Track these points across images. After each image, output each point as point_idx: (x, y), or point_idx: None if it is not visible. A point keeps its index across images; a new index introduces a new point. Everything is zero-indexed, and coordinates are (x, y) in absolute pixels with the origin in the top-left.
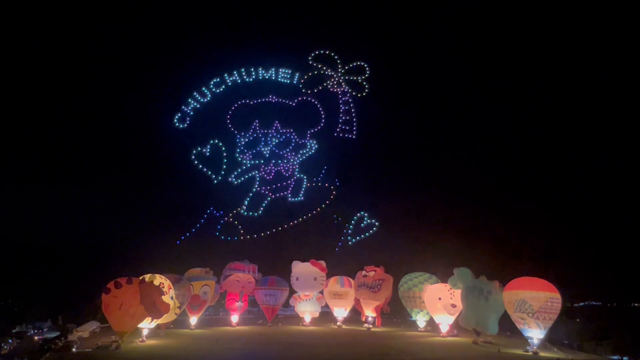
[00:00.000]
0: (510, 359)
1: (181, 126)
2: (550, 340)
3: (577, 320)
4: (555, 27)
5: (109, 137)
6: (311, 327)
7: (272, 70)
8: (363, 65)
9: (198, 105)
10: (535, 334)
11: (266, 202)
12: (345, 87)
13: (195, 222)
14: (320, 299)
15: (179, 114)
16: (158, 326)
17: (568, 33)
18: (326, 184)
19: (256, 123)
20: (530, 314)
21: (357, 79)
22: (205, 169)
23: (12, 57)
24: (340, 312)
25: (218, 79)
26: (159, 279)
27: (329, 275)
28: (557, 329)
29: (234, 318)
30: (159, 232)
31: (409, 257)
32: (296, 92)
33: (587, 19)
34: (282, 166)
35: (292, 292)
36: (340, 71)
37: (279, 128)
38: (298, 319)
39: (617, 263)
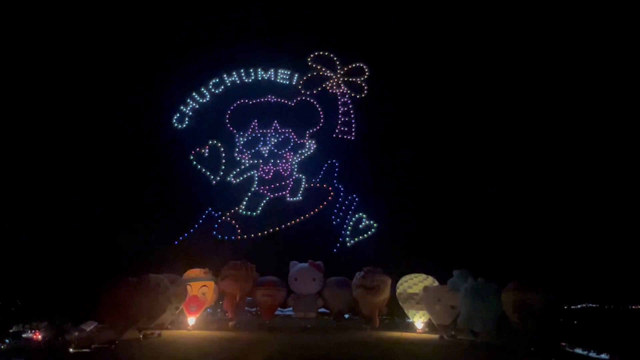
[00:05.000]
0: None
1: (180, 126)
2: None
3: (575, 322)
4: (555, 27)
5: (107, 137)
6: (309, 327)
7: (272, 71)
8: (362, 66)
9: (197, 106)
10: (534, 334)
11: (264, 201)
12: (344, 89)
13: (194, 222)
14: (318, 300)
15: (178, 114)
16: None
17: (568, 33)
18: (324, 185)
19: (255, 123)
20: (528, 315)
21: (356, 80)
22: (204, 170)
23: (11, 57)
24: None
25: (217, 80)
26: (156, 280)
27: (326, 276)
28: (555, 330)
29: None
30: (157, 232)
31: (407, 259)
32: (295, 92)
33: (587, 19)
34: (281, 166)
35: (290, 292)
36: (340, 72)
37: (278, 128)
38: (296, 319)
39: (616, 265)
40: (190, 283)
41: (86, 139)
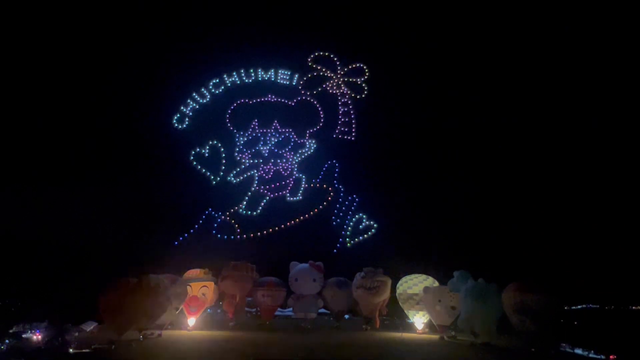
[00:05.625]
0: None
1: (180, 127)
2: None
3: (575, 323)
4: (555, 28)
5: (107, 137)
6: (309, 328)
7: (272, 72)
8: (362, 67)
9: (197, 106)
10: (534, 335)
11: (265, 201)
12: (344, 89)
13: (194, 223)
14: (319, 300)
15: (178, 115)
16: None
17: (568, 33)
18: (324, 185)
19: (255, 122)
20: (529, 316)
21: (356, 81)
22: (204, 170)
23: (12, 58)
24: None
25: (217, 80)
26: (156, 280)
27: (326, 277)
28: (555, 331)
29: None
30: (157, 232)
31: (407, 260)
32: (295, 93)
33: (587, 19)
34: (281, 165)
35: (290, 293)
36: (340, 73)
37: (278, 127)
38: (296, 320)
39: (616, 266)
40: (190, 283)
41: (86, 140)
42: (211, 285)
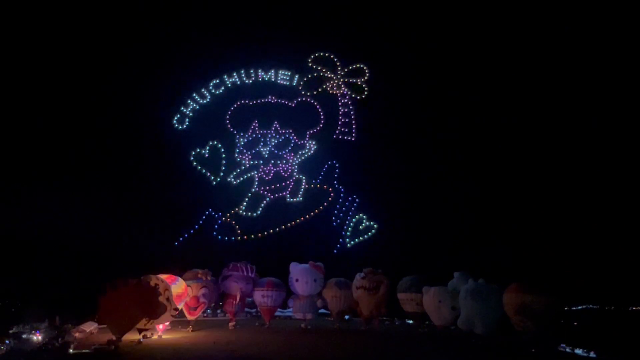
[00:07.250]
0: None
1: (180, 127)
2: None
3: (575, 323)
4: (555, 28)
5: (107, 138)
6: (309, 328)
7: (272, 72)
8: (363, 67)
9: (197, 107)
10: (534, 335)
11: (265, 202)
12: (344, 90)
13: (194, 223)
14: (319, 301)
15: (178, 115)
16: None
17: (568, 33)
18: (325, 186)
19: (255, 123)
20: (530, 317)
21: (356, 81)
22: (204, 171)
23: (13, 58)
24: None
25: (217, 81)
26: (155, 280)
27: (327, 277)
28: (556, 332)
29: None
30: (157, 233)
31: (407, 260)
32: (296, 93)
33: (588, 19)
34: (281, 166)
35: (290, 293)
36: (340, 74)
37: (278, 128)
38: (296, 321)
39: (616, 266)
40: (190, 284)
41: (87, 140)
42: (211, 285)
